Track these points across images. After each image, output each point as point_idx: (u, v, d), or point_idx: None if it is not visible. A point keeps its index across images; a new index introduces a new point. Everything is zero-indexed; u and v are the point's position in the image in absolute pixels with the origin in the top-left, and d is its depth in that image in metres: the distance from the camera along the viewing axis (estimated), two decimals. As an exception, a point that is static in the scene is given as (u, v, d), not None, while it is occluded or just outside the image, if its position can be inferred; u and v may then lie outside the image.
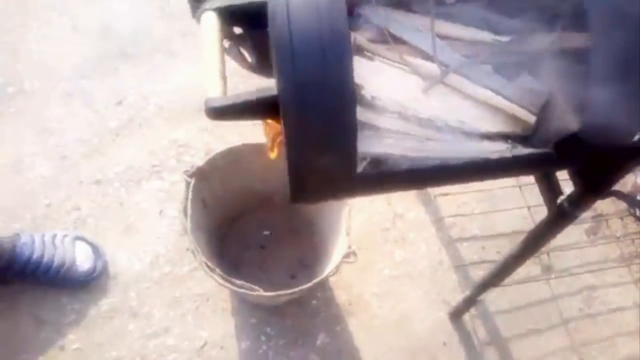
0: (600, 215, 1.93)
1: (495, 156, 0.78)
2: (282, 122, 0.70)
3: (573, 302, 1.78)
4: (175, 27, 2.26)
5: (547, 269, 1.82)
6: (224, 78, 0.78)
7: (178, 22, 2.26)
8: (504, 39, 0.88)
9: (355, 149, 0.69)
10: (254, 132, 1.83)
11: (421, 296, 1.75)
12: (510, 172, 0.83)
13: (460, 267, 1.80)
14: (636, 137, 0.79)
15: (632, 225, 1.92)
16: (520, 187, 1.78)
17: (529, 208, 1.83)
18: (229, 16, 0.85)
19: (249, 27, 0.91)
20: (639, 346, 1.69)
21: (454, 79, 0.84)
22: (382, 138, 0.80)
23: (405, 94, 0.82)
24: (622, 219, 1.91)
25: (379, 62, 0.84)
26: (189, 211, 1.33)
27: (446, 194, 1.86)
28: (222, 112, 0.72)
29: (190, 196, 1.36)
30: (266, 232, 1.75)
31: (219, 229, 1.66)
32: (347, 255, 1.30)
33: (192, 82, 2.11)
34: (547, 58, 0.90)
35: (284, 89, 0.65)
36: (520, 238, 1.64)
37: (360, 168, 0.75)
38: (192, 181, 1.38)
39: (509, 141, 0.84)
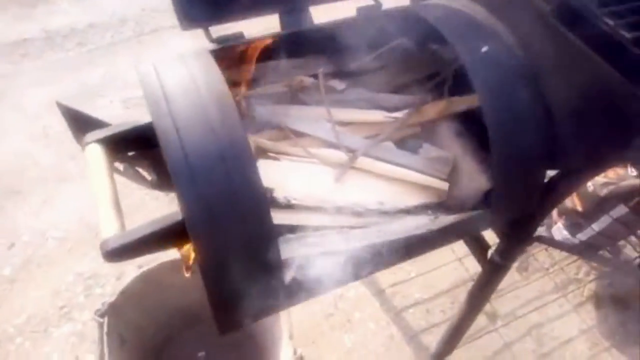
0: (526, 251, 2.00)
1: (423, 230, 0.76)
2: (193, 247, 0.63)
3: (525, 344, 1.77)
4: (64, 151, 2.13)
5: (493, 317, 1.82)
6: (118, 210, 0.70)
7: (65, 144, 2.13)
8: (399, 114, 0.90)
9: (279, 259, 0.64)
10: (170, 246, 1.70)
11: (380, 379, 1.65)
12: (440, 243, 0.82)
13: (412, 337, 1.74)
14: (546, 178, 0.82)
15: (557, 254, 2.00)
16: (447, 242, 1.80)
17: (460, 260, 1.85)
18: (116, 144, 0.78)
19: (140, 148, 0.85)
20: (597, 373, 1.70)
21: (362, 161, 0.83)
22: (304, 238, 0.75)
23: (319, 187, 0.79)
24: (546, 249, 1.99)
25: (286, 160, 0.81)
26: (106, 355, 1.16)
27: (380, 265, 1.82)
28: (122, 252, 0.64)
29: (105, 338, 1.19)
30: (201, 354, 1.58)
31: (146, 362, 1.47)
32: (295, 361, 1.19)
33: (90, 204, 1.96)
34: (443, 125, 0.93)
35: (190, 213, 0.59)
36: (459, 291, 1.63)
37: (288, 277, 0.69)
38: (105, 320, 1.22)
39: (430, 212, 0.83)
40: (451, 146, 0.90)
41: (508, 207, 0.80)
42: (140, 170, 0.94)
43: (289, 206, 0.76)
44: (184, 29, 0.82)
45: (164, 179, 0.93)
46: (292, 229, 0.76)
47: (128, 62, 2.74)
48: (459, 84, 0.94)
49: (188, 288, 1.40)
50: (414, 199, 0.84)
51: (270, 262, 0.63)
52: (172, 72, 0.68)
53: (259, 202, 0.60)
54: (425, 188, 0.85)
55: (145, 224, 0.65)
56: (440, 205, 0.86)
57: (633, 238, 1.88)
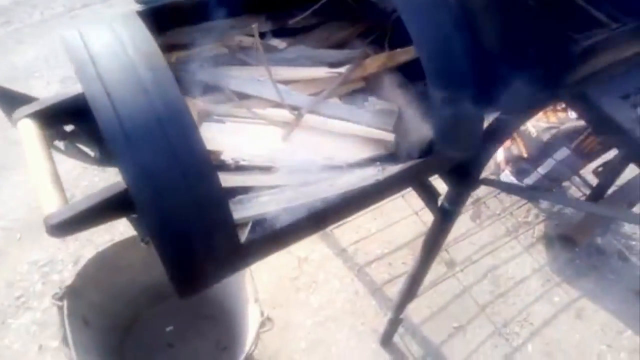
0: (477, 199, 2.08)
1: (371, 181, 0.77)
2: (139, 216, 0.62)
3: (483, 286, 1.87)
4: (4, 137, 2.03)
5: (451, 264, 1.90)
6: (58, 185, 0.67)
7: (5, 130, 2.03)
8: (341, 69, 0.90)
9: (231, 219, 0.63)
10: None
11: (349, 334, 1.70)
12: (389, 192, 0.84)
13: (376, 290, 1.80)
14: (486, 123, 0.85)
15: (506, 199, 2.09)
16: (402, 196, 1.85)
17: (416, 213, 1.91)
18: (50, 117, 0.75)
19: (78, 122, 0.81)
20: (550, 309, 1.82)
21: (309, 119, 0.83)
22: (256, 198, 0.74)
23: (267, 147, 0.79)
24: (496, 196, 2.08)
25: (231, 122, 0.80)
26: (70, 339, 1.14)
27: (341, 224, 1.86)
28: (67, 226, 0.62)
29: (66, 321, 1.17)
30: (169, 328, 1.58)
31: (112, 341, 1.46)
32: (262, 325, 1.21)
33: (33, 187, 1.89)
34: (386, 77, 0.94)
35: (131, 180, 0.57)
36: (418, 243, 1.69)
37: (243, 236, 0.69)
38: (65, 303, 1.19)
39: (378, 163, 0.84)
40: (395, 98, 0.92)
41: (451, 152, 0.82)
42: (82, 146, 0.90)
43: (238, 168, 0.75)
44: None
45: (107, 153, 0.90)
46: (244, 190, 0.76)
47: (62, 39, 2.60)
48: (400, 35, 0.95)
49: (150, 265, 1.38)
50: (363, 152, 0.85)
51: (222, 223, 0.62)
52: (98, 36, 0.65)
53: (203, 162, 0.59)
54: (372, 141, 0.86)
55: (88, 196, 0.64)
56: (389, 157, 0.88)
57: (577, 179, 1.98)
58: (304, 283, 1.80)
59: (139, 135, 0.57)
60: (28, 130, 0.71)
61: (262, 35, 0.94)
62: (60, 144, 0.85)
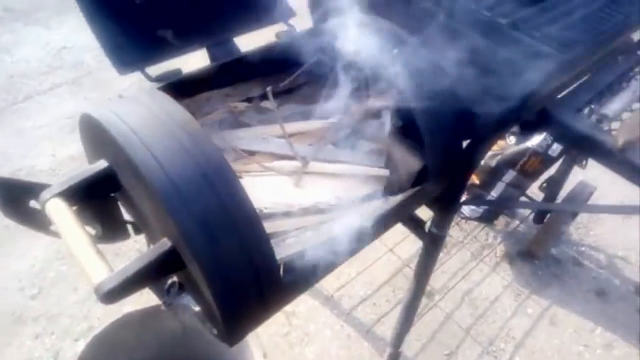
0: (441, 231, 2.22)
1: (380, 211, 0.86)
2: (194, 270, 0.66)
3: (462, 310, 1.96)
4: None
5: (430, 294, 1.99)
6: (101, 254, 0.70)
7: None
8: (333, 119, 1.01)
9: (275, 261, 0.69)
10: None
11: (348, 379, 1.72)
12: (395, 220, 0.93)
13: (367, 332, 1.84)
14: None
15: (466, 226, 2.25)
16: (376, 237, 1.94)
17: (391, 250, 2.00)
18: (73, 195, 0.78)
19: (86, 200, 0.84)
20: (527, 321, 1.94)
21: (313, 165, 0.92)
22: (283, 241, 0.81)
23: (282, 195, 0.86)
24: (457, 224, 2.23)
25: (247, 177, 0.87)
26: None
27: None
28: (118, 292, 0.65)
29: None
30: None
31: None
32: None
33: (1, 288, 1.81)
34: (369, 122, 1.06)
35: (188, 234, 0.62)
36: (398, 279, 1.78)
37: (285, 277, 0.75)
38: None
39: (381, 196, 0.94)
40: (382, 138, 1.03)
41: (441, 178, 0.94)
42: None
43: (263, 216, 0.82)
44: (121, 73, 0.85)
45: (108, 229, 0.93)
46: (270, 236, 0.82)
47: (7, 133, 2.55)
48: (375, 85, 1.09)
49: (144, 341, 1.37)
50: (364, 189, 0.94)
51: (269, 265, 0.68)
52: (130, 111, 0.71)
53: (249, 210, 0.66)
54: (370, 178, 0.96)
55: (134, 260, 0.67)
56: (386, 190, 0.98)
57: (524, 198, 2.18)
58: (296, 337, 1.81)
59: (190, 191, 0.63)
60: (59, 208, 0.74)
61: (251, 100, 1.04)
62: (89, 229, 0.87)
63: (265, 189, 0.86)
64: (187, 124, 0.69)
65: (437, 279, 2.05)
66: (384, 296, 1.97)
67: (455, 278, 2.07)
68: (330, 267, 0.80)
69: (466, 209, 2.09)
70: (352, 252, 0.85)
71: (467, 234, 2.23)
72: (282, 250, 0.79)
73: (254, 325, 0.74)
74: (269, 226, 0.81)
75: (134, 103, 0.74)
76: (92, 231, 0.97)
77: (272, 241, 0.80)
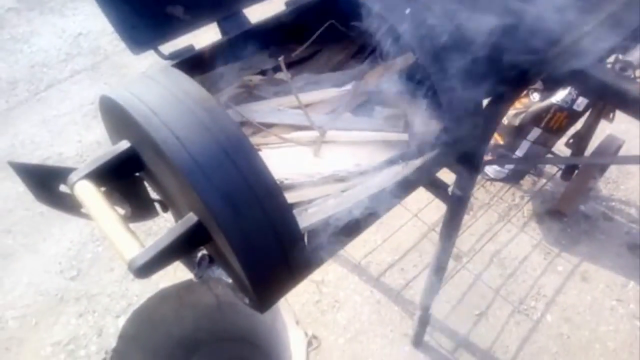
0: (466, 193, 2.20)
1: (400, 177, 0.86)
2: (220, 241, 0.68)
3: (492, 271, 1.97)
4: (-1, 228, 2.02)
5: (458, 257, 2.00)
6: (131, 231, 0.73)
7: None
8: (348, 87, 1.00)
9: (299, 230, 0.70)
10: (140, 288, 1.70)
11: (382, 343, 1.75)
12: (415, 185, 0.92)
13: (396, 296, 1.86)
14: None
15: (491, 188, 2.23)
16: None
17: (416, 215, 2.00)
18: (100, 177, 0.81)
19: (113, 181, 0.87)
20: (557, 278, 1.93)
21: (331, 134, 0.92)
22: (305, 211, 0.82)
23: (302, 165, 0.87)
24: (483, 186, 2.21)
25: (266, 149, 0.88)
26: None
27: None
28: (150, 266, 0.67)
29: (121, 383, 1.18)
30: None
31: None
32: (309, 344, 1.25)
33: (41, 271, 1.90)
34: (385, 86, 1.05)
35: (215, 208, 0.64)
36: (424, 243, 1.79)
37: (309, 245, 0.76)
38: (115, 365, 1.21)
39: (400, 161, 0.94)
40: (398, 103, 1.02)
41: (461, 140, 0.93)
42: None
43: (285, 187, 0.83)
44: (135, 53, 0.86)
45: (137, 208, 0.95)
46: (292, 206, 0.83)
47: (33, 122, 2.62)
48: (388, 49, 1.07)
49: (181, 316, 1.42)
50: (384, 154, 0.94)
51: (293, 234, 0.69)
52: (147, 91, 0.72)
53: (270, 181, 0.67)
54: (389, 143, 0.96)
55: (163, 236, 0.69)
56: (406, 155, 0.97)
57: (550, 156, 2.14)
58: (327, 304, 1.85)
59: (213, 168, 0.64)
60: (88, 190, 0.76)
61: (265, 73, 1.04)
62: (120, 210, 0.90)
63: (284, 161, 0.87)
64: (204, 101, 0.70)
65: (464, 241, 2.05)
66: (411, 261, 1.98)
67: (483, 240, 2.06)
68: (354, 233, 0.81)
69: (491, 170, 2.06)
70: (375, 217, 0.86)
71: (493, 196, 2.21)
72: (305, 219, 0.80)
73: (283, 292, 0.76)
74: (290, 196, 0.82)
75: (151, 82, 0.75)
76: (122, 211, 1.00)
77: (295, 211, 0.81)
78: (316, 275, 1.91)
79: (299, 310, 1.81)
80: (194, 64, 0.89)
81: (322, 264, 0.79)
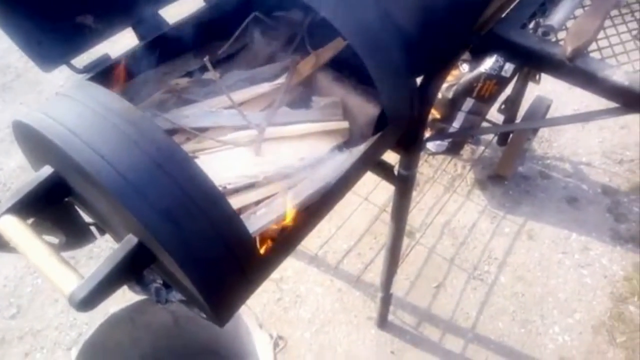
0: (410, 170, 2.23)
1: (347, 164, 0.84)
2: (165, 259, 0.64)
3: (444, 242, 2.02)
4: None
5: (411, 234, 2.03)
6: (67, 264, 0.67)
7: None
8: (281, 80, 0.97)
9: (249, 235, 0.67)
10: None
11: (347, 330, 1.76)
12: (362, 170, 0.91)
13: (356, 281, 1.87)
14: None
15: (434, 162, 2.28)
16: (349, 189, 1.94)
17: (366, 199, 2.01)
18: (25, 208, 0.74)
19: (41, 210, 0.79)
20: (506, 240, 2.01)
21: (270, 131, 0.89)
22: (254, 214, 0.79)
23: (245, 166, 0.84)
24: (426, 161, 2.25)
25: (203, 155, 0.83)
26: None
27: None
28: (94, 297, 0.62)
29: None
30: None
31: None
32: (276, 345, 1.23)
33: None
34: (318, 76, 1.02)
35: (154, 227, 0.59)
36: (377, 226, 1.80)
37: (262, 249, 0.73)
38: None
39: (344, 149, 0.92)
40: (334, 90, 1.00)
41: (400, 120, 0.92)
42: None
43: (227, 193, 0.79)
44: (45, 71, 0.78)
45: (72, 235, 0.88)
46: (239, 211, 0.79)
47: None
48: (316, 37, 1.05)
49: (135, 341, 1.35)
50: (327, 145, 0.92)
51: (243, 239, 0.66)
52: (65, 109, 0.66)
53: (210, 189, 0.63)
54: (330, 133, 0.94)
55: (103, 263, 0.64)
56: (349, 142, 0.96)
57: (485, 124, 2.21)
58: (289, 301, 1.83)
59: (145, 184, 0.60)
60: (12, 224, 0.70)
61: (192, 74, 0.99)
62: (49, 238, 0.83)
63: (225, 165, 0.83)
64: (127, 113, 0.64)
65: (414, 217, 2.08)
66: (367, 245, 2.00)
67: (432, 213, 2.11)
68: (307, 228, 0.79)
69: (432, 145, 2.10)
70: (326, 209, 0.84)
71: (436, 169, 2.26)
72: (255, 223, 0.77)
73: (241, 301, 0.73)
74: (236, 202, 0.78)
75: (67, 101, 0.68)
76: (56, 240, 0.92)
77: (242, 216, 0.78)
78: (274, 273, 1.87)
79: (260, 311, 1.77)
80: (112, 74, 0.83)
81: (277, 265, 0.77)
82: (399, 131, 0.96)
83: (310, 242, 1.94)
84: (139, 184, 0.60)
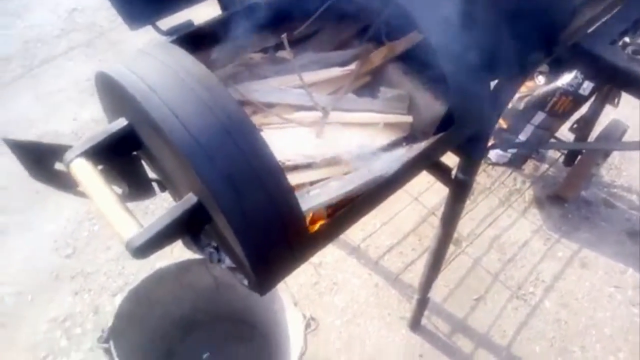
0: (466, 177, 2.18)
1: (404, 159, 0.84)
2: (221, 222, 0.66)
3: (491, 256, 1.96)
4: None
5: (457, 241, 1.99)
6: (129, 212, 0.71)
7: (-5, 198, 2.01)
8: (351, 67, 0.97)
9: (300, 211, 0.68)
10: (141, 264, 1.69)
11: (379, 325, 1.75)
12: (418, 168, 0.90)
13: (394, 280, 1.86)
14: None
15: (493, 172, 2.21)
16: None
17: (416, 199, 1.99)
18: (96, 155, 0.78)
19: (110, 159, 0.84)
20: (556, 265, 1.93)
21: (334, 115, 0.90)
22: (307, 193, 0.80)
23: (304, 146, 0.85)
24: (484, 171, 2.19)
25: (267, 130, 0.85)
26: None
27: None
28: (150, 246, 0.66)
29: (117, 360, 1.17)
30: (205, 355, 1.59)
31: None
32: (307, 326, 1.25)
33: (36, 248, 1.89)
34: (390, 67, 1.02)
35: (215, 189, 0.62)
36: (423, 227, 1.77)
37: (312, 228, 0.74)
38: (111, 344, 1.20)
39: (404, 144, 0.92)
40: (403, 84, 0.99)
41: (467, 123, 0.90)
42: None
43: (285, 169, 0.81)
44: (132, 28, 0.83)
45: (134, 187, 0.93)
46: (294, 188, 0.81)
47: (27, 99, 2.57)
48: (393, 28, 1.04)
49: (179, 297, 1.41)
50: (387, 137, 0.92)
51: (295, 215, 0.67)
52: (147, 67, 0.69)
53: (271, 162, 0.65)
54: (392, 125, 0.94)
55: (162, 216, 0.67)
56: (409, 138, 0.95)
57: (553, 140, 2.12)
58: (325, 286, 1.84)
59: (214, 148, 0.62)
60: (84, 168, 0.74)
61: (267, 50, 1.00)
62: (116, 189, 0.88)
63: (286, 142, 0.85)
64: (204, 79, 0.67)
65: (464, 225, 2.04)
66: (410, 245, 1.98)
67: (483, 224, 2.05)
68: (356, 216, 0.80)
69: (493, 154, 2.04)
70: (377, 201, 0.84)
71: (494, 180, 2.19)
72: (307, 202, 0.79)
73: (284, 275, 0.74)
74: (292, 178, 0.80)
75: (150, 59, 0.72)
76: (119, 190, 0.97)
77: (297, 193, 0.79)
78: (314, 257, 1.89)
79: (296, 291, 1.80)
80: (193, 41, 0.86)
81: (323, 246, 0.78)
82: (463, 134, 0.94)
83: (354, 233, 1.95)
84: (208, 147, 0.62)
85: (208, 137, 0.63)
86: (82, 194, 0.88)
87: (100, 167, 0.85)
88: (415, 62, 1.01)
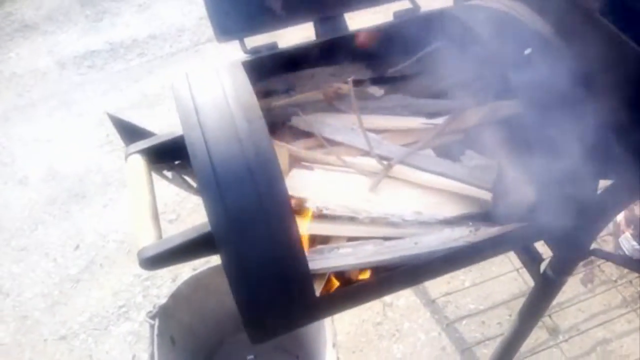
0: (591, 261, 1.87)
1: (460, 242, 0.72)
2: (220, 259, 0.64)
3: (590, 362, 1.65)
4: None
5: (554, 331, 1.71)
6: (156, 220, 0.72)
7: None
8: (438, 120, 0.86)
9: (307, 271, 0.63)
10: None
11: (430, 392, 1.60)
12: (480, 257, 0.77)
13: (465, 350, 1.67)
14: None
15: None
16: (502, 250, 1.72)
17: (517, 270, 1.76)
18: (160, 153, 0.81)
19: (184, 157, 0.87)
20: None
21: (399, 170, 0.81)
22: (337, 249, 0.73)
23: (353, 196, 0.78)
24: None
25: (320, 169, 0.80)
26: (156, 357, 1.21)
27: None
28: (159, 260, 0.66)
29: (155, 339, 1.24)
30: (250, 357, 1.61)
31: (197, 363, 1.51)
32: (338, 371, 1.18)
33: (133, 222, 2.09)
34: (488, 131, 0.89)
35: (217, 225, 0.59)
36: (518, 303, 1.55)
37: (319, 288, 0.68)
38: (156, 322, 1.26)
39: (470, 223, 0.79)
40: (496, 153, 0.86)
41: (555, 220, 0.74)
42: (187, 178, 0.96)
43: (321, 216, 0.75)
44: (220, 41, 0.84)
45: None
46: (325, 239, 0.75)
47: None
48: (504, 87, 0.90)
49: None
50: (454, 210, 0.80)
51: (299, 274, 0.62)
52: (203, 85, 0.70)
53: (286, 216, 0.60)
54: (466, 198, 0.81)
55: (177, 234, 0.67)
56: (483, 217, 0.82)
57: None
58: (387, 330, 1.73)
59: (229, 184, 0.60)
60: (135, 165, 0.77)
61: (361, 83, 0.94)
62: (168, 173, 0.92)
63: (335, 187, 0.79)
64: (250, 111, 0.65)
65: (569, 316, 1.75)
66: (497, 317, 1.75)
67: (592, 321, 1.73)
68: (378, 294, 0.71)
69: (626, 244, 1.72)
70: (413, 281, 0.74)
71: (622, 275, 1.84)
72: (332, 259, 0.72)
73: (280, 332, 0.69)
74: (325, 228, 0.74)
75: (213, 76, 0.72)
76: (194, 184, 1.00)
77: (324, 247, 0.73)
78: (387, 296, 1.79)
79: (356, 325, 1.72)
80: (276, 62, 0.84)
81: (332, 314, 0.71)
82: (549, 233, 0.78)
83: (436, 285, 1.79)
84: (224, 180, 0.60)
85: (227, 169, 0.60)
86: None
87: (177, 161, 0.89)
88: (514, 132, 0.86)
